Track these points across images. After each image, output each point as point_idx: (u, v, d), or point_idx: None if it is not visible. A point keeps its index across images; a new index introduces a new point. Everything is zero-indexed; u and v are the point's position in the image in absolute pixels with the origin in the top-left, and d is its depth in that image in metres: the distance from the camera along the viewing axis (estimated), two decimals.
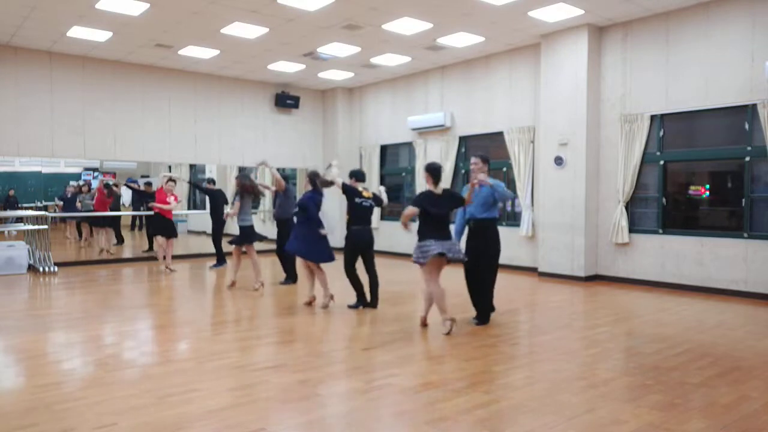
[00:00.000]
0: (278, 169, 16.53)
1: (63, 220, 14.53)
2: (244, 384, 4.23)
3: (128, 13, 8.61)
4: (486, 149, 11.52)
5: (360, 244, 6.86)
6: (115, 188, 13.00)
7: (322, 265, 7.11)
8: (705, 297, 7.93)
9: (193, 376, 4.41)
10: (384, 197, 7.13)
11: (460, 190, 11.56)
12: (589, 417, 3.63)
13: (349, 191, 6.75)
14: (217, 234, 10.88)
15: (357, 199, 6.74)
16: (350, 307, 6.99)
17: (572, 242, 9.36)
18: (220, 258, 10.90)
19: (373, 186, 13.38)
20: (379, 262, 11.87)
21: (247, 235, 8.46)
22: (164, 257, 10.35)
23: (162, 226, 10.26)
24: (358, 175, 7.02)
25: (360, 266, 6.99)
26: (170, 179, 10.30)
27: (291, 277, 8.90)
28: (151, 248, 12.73)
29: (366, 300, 7.00)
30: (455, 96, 11.72)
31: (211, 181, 11.29)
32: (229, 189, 18.12)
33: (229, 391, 4.04)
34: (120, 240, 14.00)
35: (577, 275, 9.28)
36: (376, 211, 13.39)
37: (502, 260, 10.50)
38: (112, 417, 3.56)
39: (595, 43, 9.23)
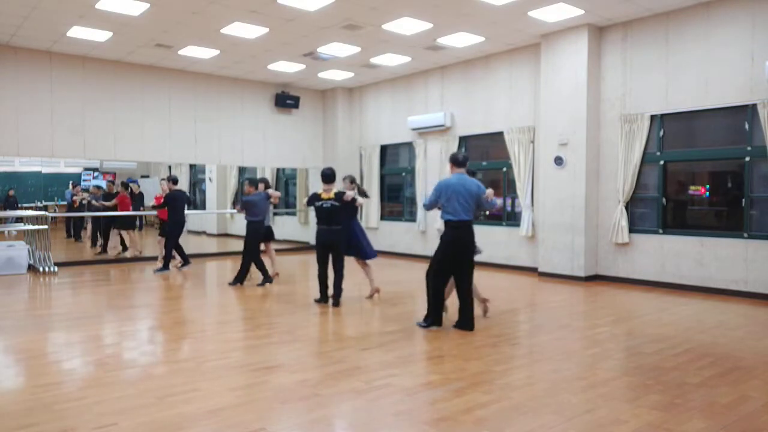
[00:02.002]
0: (278, 170, 16.62)
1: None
2: (244, 384, 4.23)
3: (128, 13, 8.61)
4: (486, 149, 11.56)
5: (319, 243, 7.19)
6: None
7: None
8: (705, 297, 7.92)
9: (194, 376, 4.41)
10: (359, 198, 7.41)
11: None
12: (589, 417, 3.63)
13: (308, 202, 7.28)
14: (176, 237, 10.24)
15: (317, 203, 7.11)
16: (316, 301, 7.32)
17: (572, 242, 9.36)
18: (167, 262, 10.28)
19: (373, 190, 13.42)
20: (380, 262, 11.89)
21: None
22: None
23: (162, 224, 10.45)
24: (322, 176, 7.26)
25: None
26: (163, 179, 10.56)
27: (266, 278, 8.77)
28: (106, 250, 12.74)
29: (326, 297, 7.25)
30: (455, 96, 11.71)
31: (173, 180, 10.29)
32: (229, 189, 18.23)
33: (229, 391, 4.04)
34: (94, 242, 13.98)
35: (577, 275, 9.28)
36: (376, 212, 13.52)
37: (502, 260, 10.69)
38: (112, 417, 3.56)
39: (595, 43, 9.23)
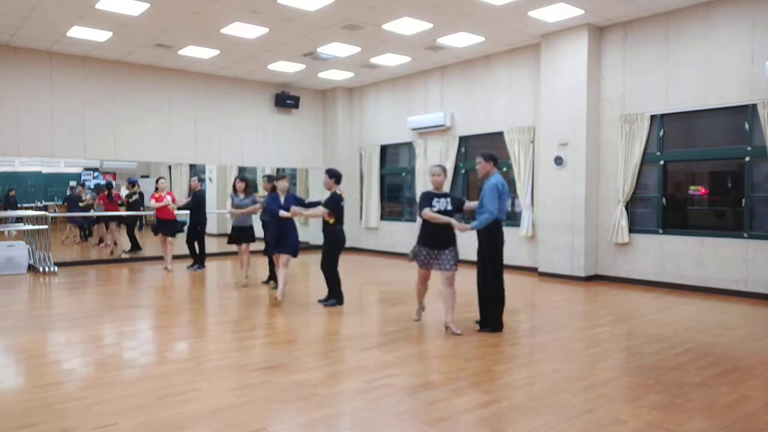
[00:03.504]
0: (278, 170, 16.60)
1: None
2: (244, 384, 4.22)
3: (128, 13, 8.61)
4: (486, 149, 11.50)
5: (342, 243, 7.14)
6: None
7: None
8: (705, 297, 7.92)
9: (193, 376, 4.41)
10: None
11: (459, 190, 11.62)
12: (589, 417, 3.63)
13: (333, 202, 6.94)
14: (203, 236, 10.53)
15: (341, 203, 7.04)
16: (326, 304, 7.12)
17: (572, 242, 9.36)
18: (202, 260, 10.58)
19: (373, 190, 13.43)
20: (380, 262, 11.88)
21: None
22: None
23: (164, 225, 10.41)
24: (336, 176, 7.14)
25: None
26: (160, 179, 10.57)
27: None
28: (137, 247, 12.88)
29: (342, 298, 7.13)
30: (455, 96, 11.71)
31: (201, 179, 10.76)
32: (228, 188, 18.21)
33: (229, 391, 4.04)
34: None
35: (577, 275, 9.28)
36: (376, 212, 13.54)
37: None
38: (112, 417, 3.56)
39: (595, 43, 9.23)
